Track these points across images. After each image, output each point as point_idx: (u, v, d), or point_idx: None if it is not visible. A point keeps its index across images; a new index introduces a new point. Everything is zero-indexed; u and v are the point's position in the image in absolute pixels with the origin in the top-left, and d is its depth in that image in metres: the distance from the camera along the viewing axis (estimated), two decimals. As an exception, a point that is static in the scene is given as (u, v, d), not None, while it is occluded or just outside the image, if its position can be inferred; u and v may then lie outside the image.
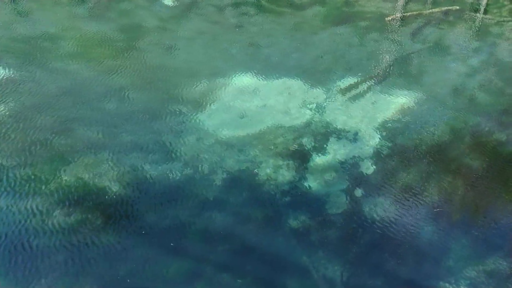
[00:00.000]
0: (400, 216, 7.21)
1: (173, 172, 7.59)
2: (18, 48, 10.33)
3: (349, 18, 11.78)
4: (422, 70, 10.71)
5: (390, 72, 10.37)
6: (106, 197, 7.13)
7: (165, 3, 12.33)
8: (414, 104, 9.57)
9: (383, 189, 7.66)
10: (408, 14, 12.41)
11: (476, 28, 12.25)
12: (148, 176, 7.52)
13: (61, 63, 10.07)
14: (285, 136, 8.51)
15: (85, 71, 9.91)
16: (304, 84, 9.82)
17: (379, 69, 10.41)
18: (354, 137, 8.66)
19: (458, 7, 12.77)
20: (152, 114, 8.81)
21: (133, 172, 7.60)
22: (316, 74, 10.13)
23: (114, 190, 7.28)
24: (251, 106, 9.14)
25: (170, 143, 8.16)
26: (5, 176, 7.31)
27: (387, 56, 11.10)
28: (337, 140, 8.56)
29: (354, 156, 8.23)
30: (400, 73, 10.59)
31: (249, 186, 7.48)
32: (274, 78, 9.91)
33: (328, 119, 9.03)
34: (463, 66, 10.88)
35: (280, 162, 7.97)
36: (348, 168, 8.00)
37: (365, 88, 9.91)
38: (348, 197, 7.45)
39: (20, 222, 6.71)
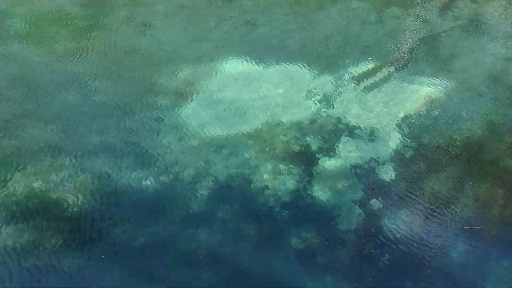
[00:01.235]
0: (426, 234, 7.31)
1: (149, 180, 7.68)
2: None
3: (364, -11, 11.90)
4: (454, 53, 10.69)
5: (415, 55, 10.50)
6: (66, 211, 7.20)
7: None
8: (443, 95, 9.62)
9: (406, 200, 7.76)
10: (437, -16, 12.72)
11: (519, 1, 12.45)
12: (117, 185, 7.59)
13: (9, 45, 10.02)
14: (286, 135, 8.60)
15: (38, 55, 9.85)
16: (310, 71, 9.96)
17: (401, 52, 10.54)
18: (371, 136, 8.77)
19: (496, -24, 13.02)
20: (123, 109, 8.88)
21: (99, 181, 7.63)
22: (324, 59, 10.26)
23: (75, 203, 7.32)
24: (244, 98, 9.26)
25: (145, 144, 8.26)
26: None
27: (411, 36, 11.09)
28: (349, 139, 8.66)
29: (370, 159, 8.34)
30: (426, 56, 10.61)
31: (242, 197, 7.59)
32: (272, 64, 10.03)
33: (338, 114, 9.13)
34: (503, 47, 10.90)
35: (280, 167, 8.05)
36: (363, 174, 8.09)
37: (384, 75, 10.02)
38: (363, 210, 7.55)
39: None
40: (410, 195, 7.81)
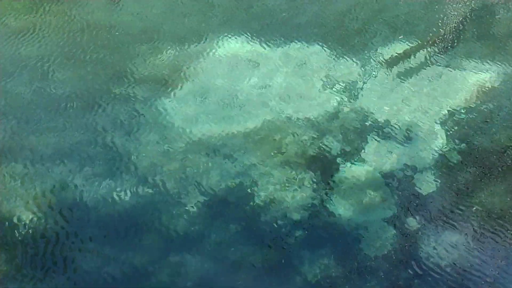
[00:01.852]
0: (477, 262, 7.25)
1: (122, 192, 7.69)
2: None
3: None
4: (512, 30, 10.79)
5: (462, 33, 10.61)
6: (17, 232, 7.20)
7: None
8: (500, 84, 9.67)
9: (451, 218, 7.73)
10: None
11: None
12: (82, 198, 7.58)
13: None
14: (298, 135, 8.62)
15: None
16: (327, 54, 10.04)
17: (443, 29, 10.63)
18: (406, 136, 8.77)
19: None
20: (88, 102, 8.99)
21: (58, 193, 7.68)
22: (346, 38, 10.34)
23: (29, 221, 7.30)
24: (243, 88, 9.30)
25: (117, 146, 8.29)
26: None
27: (457, 8, 11.10)
28: (379, 140, 8.68)
29: (406, 166, 8.33)
30: (477, 35, 10.62)
31: (241, 215, 7.58)
32: (280, 45, 10.18)
33: (364, 108, 9.12)
34: None
35: (290, 176, 8.06)
36: (396, 185, 8.09)
37: (423, 58, 10.06)
38: (396, 231, 7.52)
39: None
40: (457, 212, 7.83)
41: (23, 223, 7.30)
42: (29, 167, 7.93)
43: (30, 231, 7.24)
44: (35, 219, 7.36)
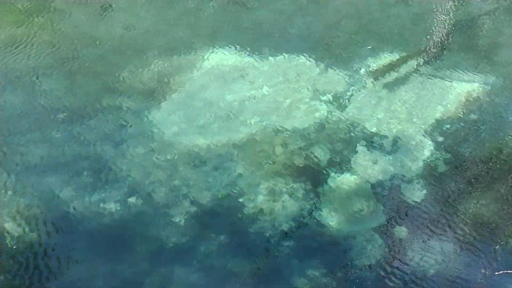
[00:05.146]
0: (464, 269, 7.27)
1: (109, 205, 7.70)
2: None
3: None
4: (498, 41, 10.73)
5: (449, 44, 10.60)
6: (2, 242, 7.12)
7: None
8: (486, 94, 9.67)
9: (439, 227, 7.73)
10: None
11: None
12: (69, 210, 7.57)
13: None
14: (287, 145, 8.66)
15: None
16: (316, 64, 10.02)
17: (431, 39, 10.62)
18: (394, 146, 8.81)
19: None
20: (76, 113, 8.88)
21: (44, 205, 7.62)
22: (334, 48, 10.33)
23: (14, 235, 7.26)
24: (233, 99, 9.31)
25: (105, 158, 8.27)
26: None
27: (444, 20, 11.16)
28: (368, 150, 8.71)
29: (394, 176, 8.36)
30: (464, 45, 10.68)
31: (230, 226, 7.57)
32: (269, 56, 10.10)
33: (353, 118, 9.16)
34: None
35: (279, 186, 8.09)
36: (384, 195, 8.12)
37: (410, 69, 10.06)
38: (384, 241, 7.51)
39: None
40: (444, 220, 7.83)
41: (8, 235, 7.26)
42: (16, 179, 7.91)
43: (16, 243, 7.17)
44: (20, 232, 7.28)
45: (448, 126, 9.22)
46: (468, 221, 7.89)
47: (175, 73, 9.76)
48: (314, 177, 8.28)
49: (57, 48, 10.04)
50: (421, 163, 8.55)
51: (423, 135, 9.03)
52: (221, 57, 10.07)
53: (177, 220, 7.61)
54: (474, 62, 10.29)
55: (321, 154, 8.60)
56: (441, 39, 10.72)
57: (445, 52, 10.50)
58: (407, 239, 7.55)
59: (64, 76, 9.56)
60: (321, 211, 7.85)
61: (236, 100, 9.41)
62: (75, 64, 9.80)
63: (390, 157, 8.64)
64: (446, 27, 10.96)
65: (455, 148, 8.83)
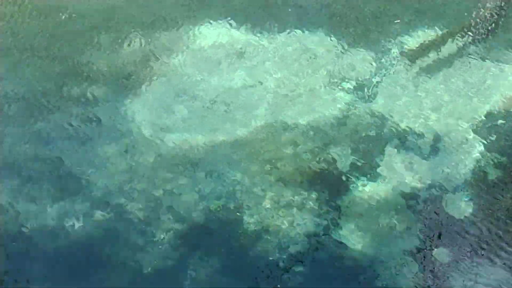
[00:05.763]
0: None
1: (76, 218, 7.36)
2: None
3: None
4: None
5: (502, 18, 10.08)
6: None
7: None
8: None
9: (490, 249, 7.24)
10: None
11: None
12: (25, 225, 7.23)
13: None
14: (298, 145, 8.25)
15: None
16: (335, 43, 9.53)
17: (479, 13, 10.08)
18: (434, 147, 8.36)
19: None
20: (34, 104, 8.55)
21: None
22: (358, 23, 9.86)
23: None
24: (229, 87, 8.92)
25: (70, 160, 7.94)
26: None
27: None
28: (400, 152, 8.28)
29: (433, 184, 7.91)
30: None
31: (226, 246, 7.21)
32: (276, 32, 9.67)
33: (381, 112, 8.73)
34: None
35: (288, 197, 7.69)
36: (421, 208, 7.66)
37: (454, 49, 9.62)
38: (421, 266, 7.08)
39: None
40: (498, 241, 7.34)
41: None
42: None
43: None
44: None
45: (502, 122, 8.73)
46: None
47: (157, 55, 9.41)
48: (332, 185, 7.92)
49: (6, 21, 9.58)
50: (467, 169, 8.13)
51: (470, 133, 8.58)
52: (215, 34, 9.73)
53: (159, 239, 7.24)
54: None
55: (341, 156, 8.20)
56: (493, 11, 10.17)
57: (498, 28, 10.02)
58: (450, 264, 7.18)
59: (17, 59, 9.27)
60: (341, 228, 7.48)
61: (234, 87, 9.01)
62: (32, 43, 9.45)
63: (428, 161, 8.23)
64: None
65: (510, 150, 8.37)
